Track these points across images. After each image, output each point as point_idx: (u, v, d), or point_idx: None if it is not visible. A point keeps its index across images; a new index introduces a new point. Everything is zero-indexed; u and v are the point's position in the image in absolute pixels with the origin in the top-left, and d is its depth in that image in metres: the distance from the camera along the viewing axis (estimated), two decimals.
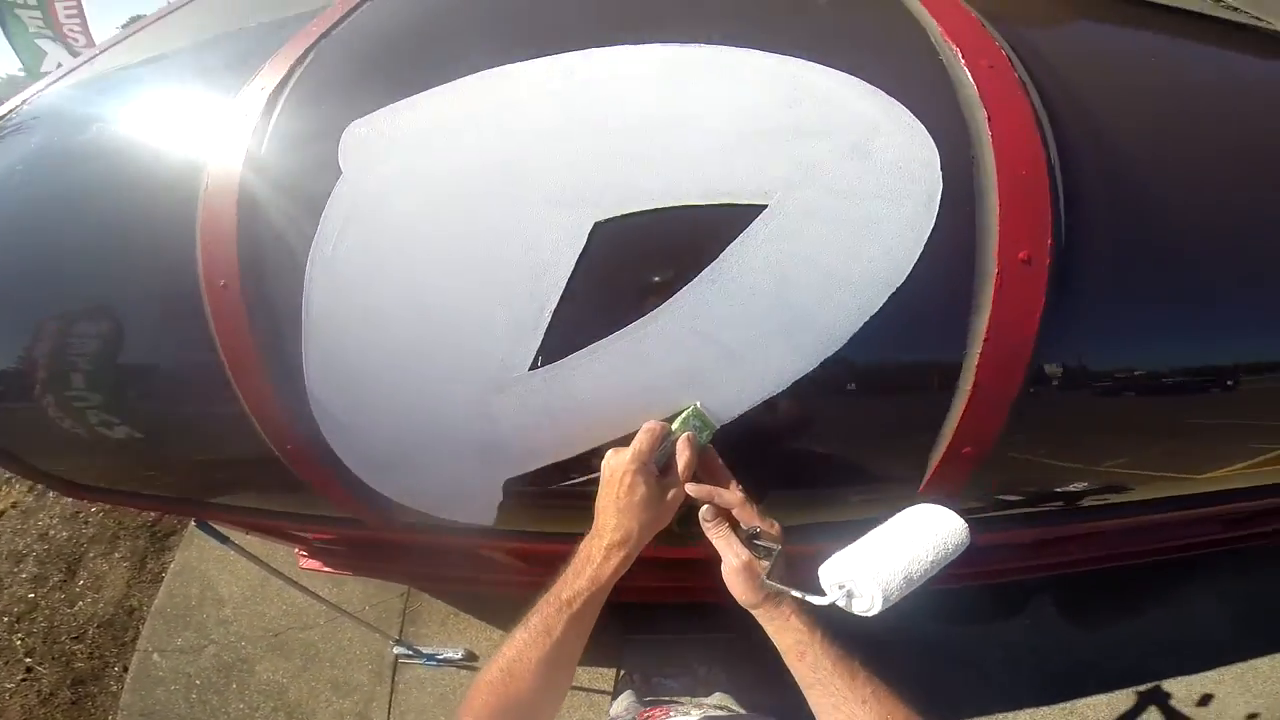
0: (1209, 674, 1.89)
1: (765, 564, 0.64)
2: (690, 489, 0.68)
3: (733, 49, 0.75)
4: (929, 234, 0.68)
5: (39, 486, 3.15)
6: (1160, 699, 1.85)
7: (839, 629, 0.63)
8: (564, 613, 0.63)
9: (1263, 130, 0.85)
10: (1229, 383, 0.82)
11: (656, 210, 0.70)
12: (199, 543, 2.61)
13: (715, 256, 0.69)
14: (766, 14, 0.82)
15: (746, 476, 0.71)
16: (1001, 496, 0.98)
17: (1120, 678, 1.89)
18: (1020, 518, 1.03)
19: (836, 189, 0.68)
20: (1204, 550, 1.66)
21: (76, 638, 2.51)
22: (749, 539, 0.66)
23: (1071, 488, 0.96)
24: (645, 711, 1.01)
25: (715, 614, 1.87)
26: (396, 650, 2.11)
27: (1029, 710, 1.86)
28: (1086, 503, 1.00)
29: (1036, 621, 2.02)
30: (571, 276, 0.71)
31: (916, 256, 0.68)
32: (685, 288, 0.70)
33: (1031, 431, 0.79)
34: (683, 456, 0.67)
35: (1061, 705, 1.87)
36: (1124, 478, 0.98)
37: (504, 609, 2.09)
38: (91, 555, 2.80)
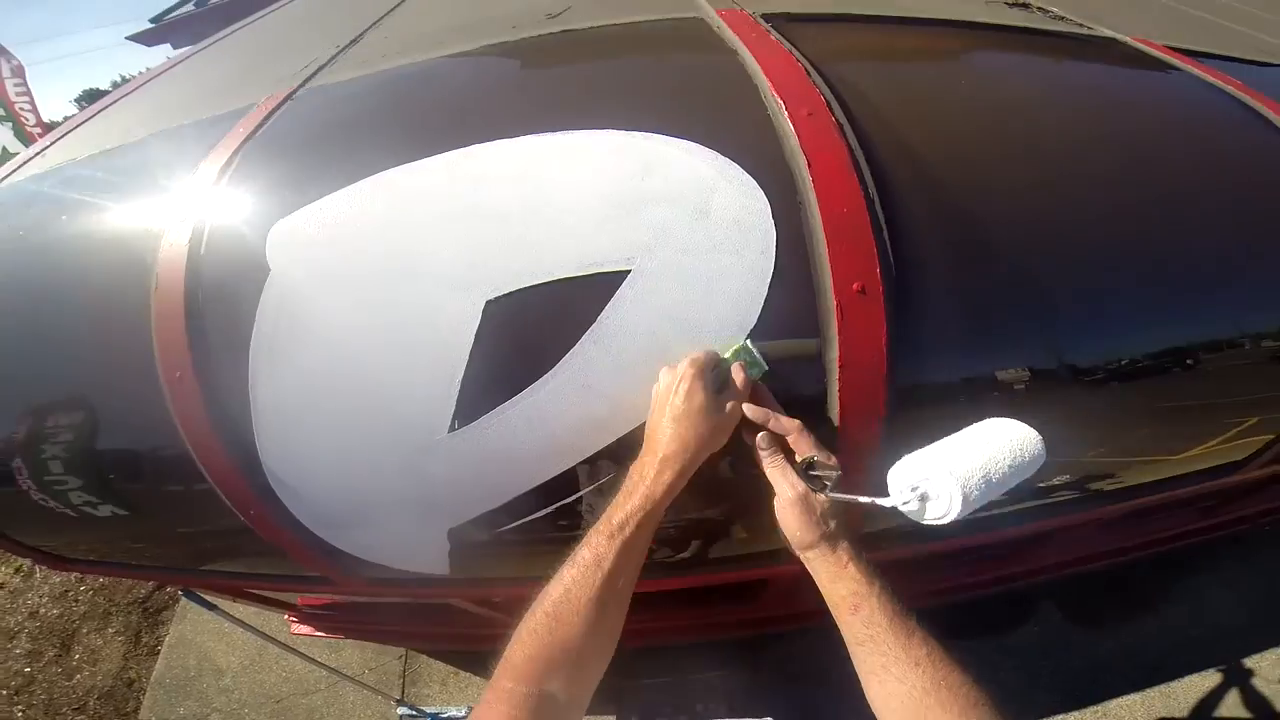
0: (1230, 662, 1.90)
1: (822, 497, 0.60)
2: (748, 409, 0.65)
3: (590, 132, 0.85)
4: (769, 278, 0.77)
5: (26, 567, 3.29)
6: (1190, 691, 1.86)
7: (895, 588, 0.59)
8: (615, 539, 0.57)
9: (1080, 128, 0.94)
10: (1086, 372, 0.89)
11: (539, 284, 0.81)
12: (193, 616, 2.67)
13: (594, 319, 0.79)
14: (620, 95, 0.92)
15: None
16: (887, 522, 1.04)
17: (1146, 675, 1.91)
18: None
19: (686, 248, 0.78)
20: (1177, 544, 1.70)
21: (78, 709, 2.57)
22: (804, 470, 0.62)
23: None
24: None
25: (712, 652, 1.93)
26: (401, 711, 2.13)
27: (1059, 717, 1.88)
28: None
29: (1044, 629, 2.05)
30: (472, 349, 0.82)
31: (763, 300, 0.77)
32: (572, 349, 0.80)
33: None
34: (739, 376, 0.65)
35: (1091, 709, 1.88)
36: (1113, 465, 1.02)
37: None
38: (85, 631, 2.87)
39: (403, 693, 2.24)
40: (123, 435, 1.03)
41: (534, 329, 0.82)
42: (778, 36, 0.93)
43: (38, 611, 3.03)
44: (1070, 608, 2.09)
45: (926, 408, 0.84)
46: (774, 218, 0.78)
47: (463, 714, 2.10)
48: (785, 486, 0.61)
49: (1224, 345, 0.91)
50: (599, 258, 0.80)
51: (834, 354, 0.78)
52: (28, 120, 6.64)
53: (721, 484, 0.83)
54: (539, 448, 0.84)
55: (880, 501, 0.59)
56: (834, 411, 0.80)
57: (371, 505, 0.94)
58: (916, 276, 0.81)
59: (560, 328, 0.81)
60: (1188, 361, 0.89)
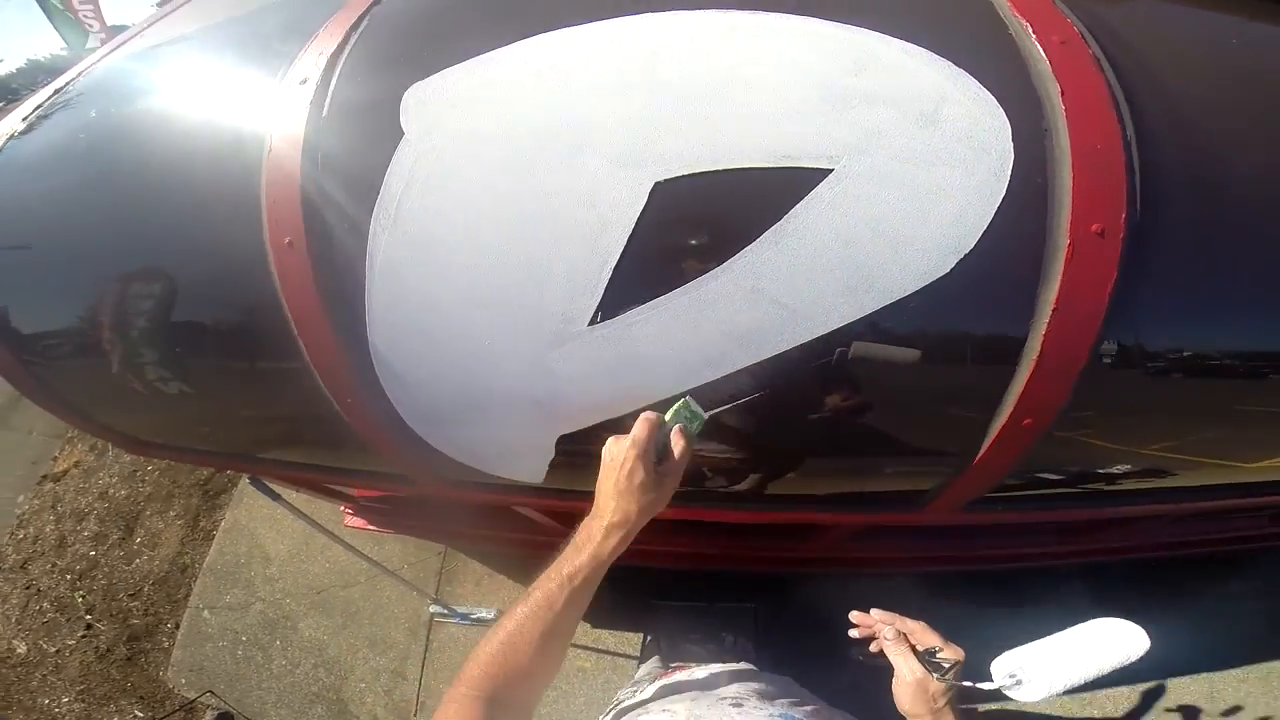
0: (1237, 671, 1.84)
1: (938, 679, 0.67)
2: (876, 614, 0.73)
3: (797, 16, 0.75)
4: (1000, 202, 0.67)
5: (99, 445, 3.35)
6: (1189, 696, 1.81)
7: None
8: (565, 588, 0.66)
9: None
10: None
11: (718, 172, 0.71)
12: (248, 501, 2.73)
13: (778, 219, 0.70)
14: None
15: (799, 436, 0.71)
16: (1046, 474, 0.96)
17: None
18: (1061, 498, 1.02)
19: (904, 155, 0.68)
20: (1253, 545, 1.58)
21: (133, 595, 2.65)
22: (926, 655, 0.69)
23: (1117, 469, 0.95)
24: (667, 670, 1.02)
25: (741, 585, 1.90)
26: (432, 609, 2.18)
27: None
28: (1131, 486, 0.99)
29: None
30: (631, 235, 0.73)
31: (987, 224, 0.67)
32: (747, 248, 0.71)
33: (1093, 408, 0.78)
34: (677, 445, 0.71)
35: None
36: (1170, 462, 0.96)
37: (534, 570, 2.11)
38: (148, 513, 2.94)
39: (437, 590, 2.27)
40: (221, 307, 0.98)
41: (706, 219, 0.74)
42: None
43: (107, 492, 3.11)
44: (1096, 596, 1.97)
45: (1126, 373, 0.75)
46: (1013, 139, 0.67)
47: (491, 616, 2.12)
48: (905, 670, 0.69)
49: None
50: (795, 151, 0.70)
51: (1050, 295, 0.69)
52: (91, 27, 6.67)
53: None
54: (685, 355, 0.75)
55: (980, 685, 0.67)
56: (1029, 357, 0.71)
57: (486, 402, 0.85)
58: (1158, 231, 0.70)
59: (737, 222, 0.72)
60: None
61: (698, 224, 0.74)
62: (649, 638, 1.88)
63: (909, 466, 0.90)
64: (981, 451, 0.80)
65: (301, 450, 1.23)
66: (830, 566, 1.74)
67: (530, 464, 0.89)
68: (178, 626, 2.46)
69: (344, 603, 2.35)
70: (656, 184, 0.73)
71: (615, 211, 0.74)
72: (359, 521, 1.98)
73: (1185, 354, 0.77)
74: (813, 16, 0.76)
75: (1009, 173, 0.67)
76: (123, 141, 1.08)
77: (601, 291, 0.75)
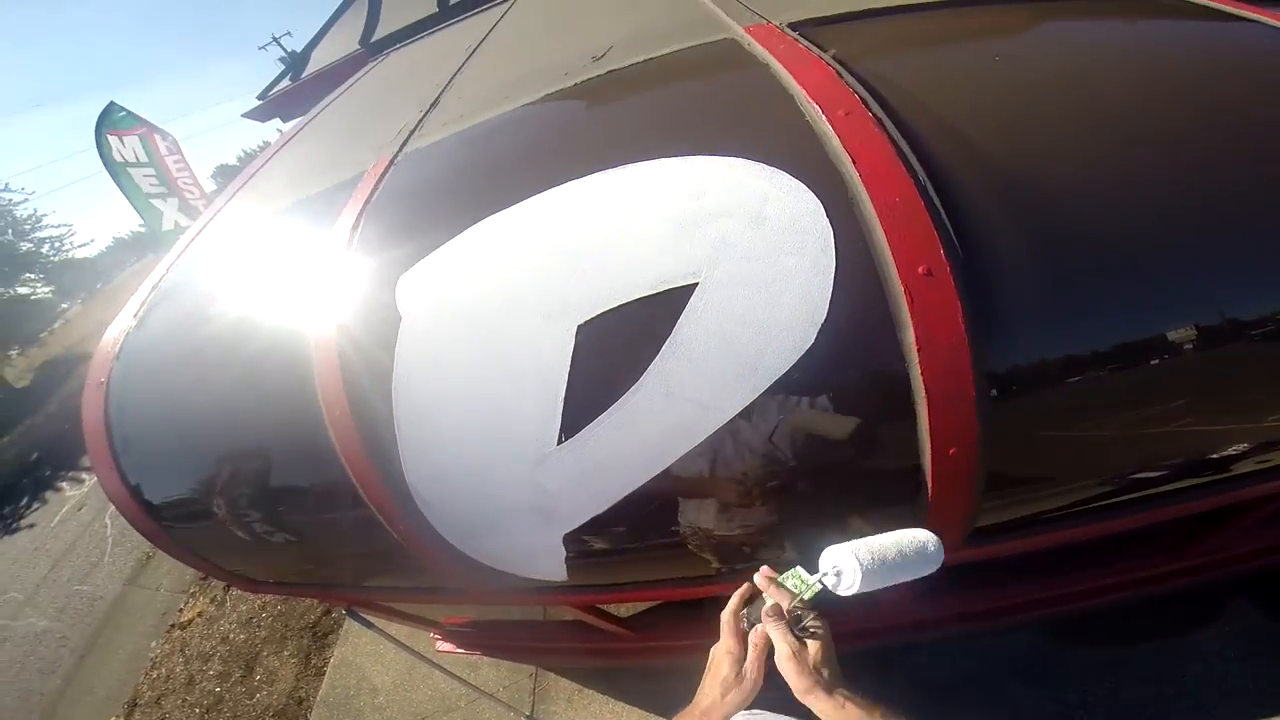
0: None
1: (814, 650, 0.73)
2: (753, 583, 0.81)
3: (646, 163, 0.94)
4: (834, 273, 0.81)
5: (219, 598, 3.87)
6: None
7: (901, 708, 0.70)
8: None
9: (1133, 85, 0.88)
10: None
11: (620, 305, 0.90)
12: (354, 639, 3.03)
13: (669, 333, 0.88)
14: (667, 125, 1.00)
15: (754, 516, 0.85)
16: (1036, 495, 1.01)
17: None
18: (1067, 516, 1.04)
19: (748, 255, 0.84)
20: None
21: None
22: (794, 625, 0.76)
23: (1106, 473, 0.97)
24: None
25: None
26: None
27: None
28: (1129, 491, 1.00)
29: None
30: (570, 369, 0.93)
31: (830, 294, 0.81)
32: (653, 362, 0.89)
33: (1021, 427, 0.86)
34: (754, 649, 0.76)
35: None
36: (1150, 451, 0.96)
37: (621, 681, 2.29)
38: (265, 654, 3.33)
39: (532, 709, 2.39)
40: (302, 471, 1.24)
41: (620, 346, 0.92)
42: (806, 44, 0.97)
43: (228, 637, 3.59)
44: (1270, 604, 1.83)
45: (1026, 388, 0.83)
46: (828, 216, 0.82)
47: None
48: (783, 644, 0.74)
49: None
50: (667, 275, 0.88)
51: (910, 338, 0.80)
52: (191, 194, 7.35)
53: None
54: (635, 454, 0.93)
55: (810, 577, 0.76)
56: (920, 399, 0.81)
57: (497, 515, 1.07)
58: (988, 253, 0.81)
59: (642, 342, 0.90)
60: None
61: (616, 350, 0.92)
62: None
63: (877, 517, 0.95)
64: (931, 486, 0.88)
65: (381, 576, 1.48)
66: (874, 639, 1.73)
67: (549, 563, 1.10)
68: None
69: None
70: (579, 326, 0.93)
71: (554, 354, 0.94)
72: (449, 646, 2.18)
73: (1072, 355, 0.82)
74: (661, 158, 0.94)
75: (833, 245, 0.81)
76: (210, 342, 1.37)
77: (560, 417, 0.95)
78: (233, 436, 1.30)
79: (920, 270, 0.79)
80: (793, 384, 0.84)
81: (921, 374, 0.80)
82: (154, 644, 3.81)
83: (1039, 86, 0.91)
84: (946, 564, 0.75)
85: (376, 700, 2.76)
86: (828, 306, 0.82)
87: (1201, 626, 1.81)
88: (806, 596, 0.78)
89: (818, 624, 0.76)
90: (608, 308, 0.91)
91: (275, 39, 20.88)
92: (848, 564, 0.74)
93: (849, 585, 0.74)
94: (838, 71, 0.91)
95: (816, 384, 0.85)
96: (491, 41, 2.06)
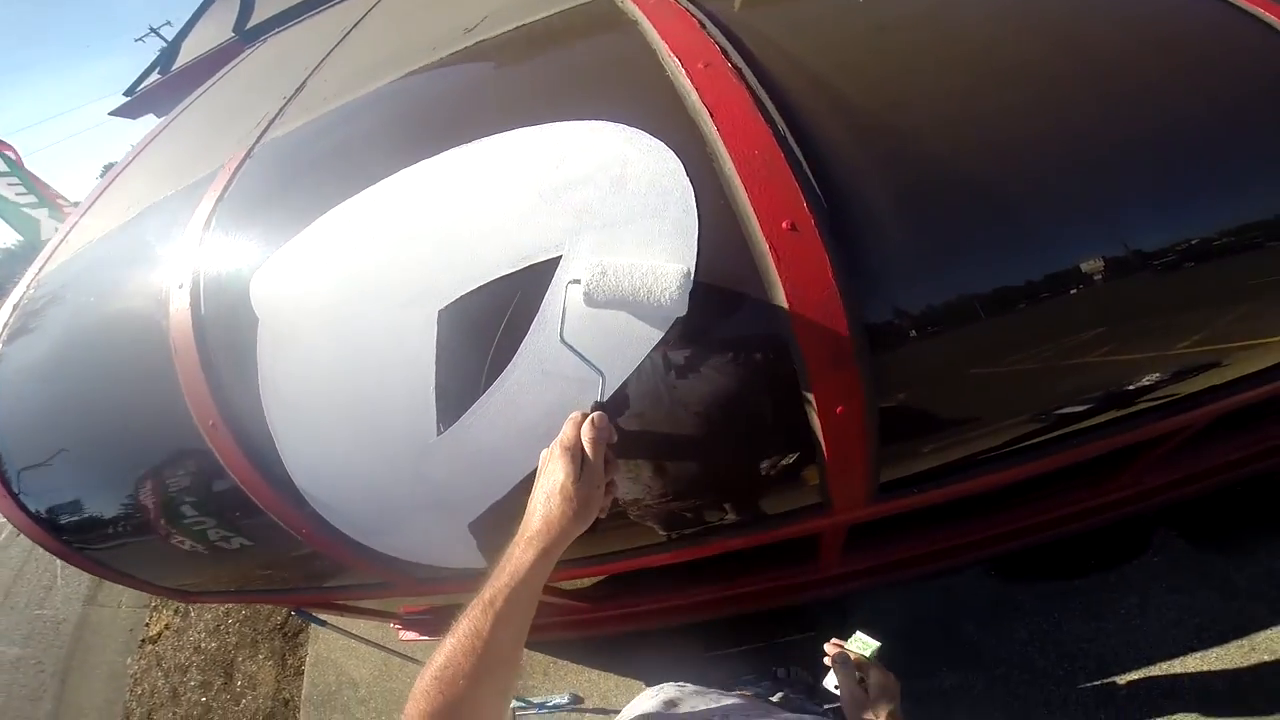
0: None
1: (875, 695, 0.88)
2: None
3: (503, 134, 0.87)
4: (696, 234, 0.77)
5: (182, 609, 3.71)
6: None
7: None
8: (488, 612, 0.62)
9: (983, 27, 0.85)
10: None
11: (481, 286, 0.85)
12: (325, 636, 2.92)
13: (536, 310, 0.83)
14: (530, 92, 0.94)
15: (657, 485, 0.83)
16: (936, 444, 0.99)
17: None
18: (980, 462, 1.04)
19: (611, 221, 0.80)
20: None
21: None
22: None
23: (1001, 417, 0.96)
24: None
25: (792, 619, 1.96)
26: (513, 704, 2.28)
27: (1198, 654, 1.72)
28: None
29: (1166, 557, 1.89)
30: (437, 357, 0.88)
31: (694, 255, 0.77)
32: (524, 341, 0.84)
33: (909, 378, 0.85)
34: (588, 444, 0.69)
35: (1235, 643, 1.69)
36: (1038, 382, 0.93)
37: (594, 650, 2.29)
38: (240, 659, 3.24)
39: None
40: (189, 480, 1.14)
41: (486, 328, 0.87)
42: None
43: (200, 646, 3.47)
44: (1194, 533, 1.88)
45: (909, 338, 0.80)
46: (689, 175, 0.77)
47: (566, 700, 2.26)
48: (845, 691, 0.89)
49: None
50: (529, 250, 0.83)
51: (780, 295, 0.77)
52: (63, 202, 6.98)
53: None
54: (521, 435, 0.89)
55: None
56: (798, 359, 0.79)
57: (395, 511, 1.03)
58: (856, 203, 0.78)
59: (509, 323, 0.85)
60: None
61: (483, 333, 0.87)
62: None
63: (782, 481, 0.94)
64: (825, 446, 0.86)
65: (310, 578, 1.42)
66: (825, 588, 1.77)
67: (463, 551, 1.06)
68: None
69: None
70: (439, 311, 0.87)
71: (417, 343, 0.88)
72: (411, 634, 2.15)
73: (949, 303, 0.80)
74: (520, 127, 0.88)
75: (694, 205, 0.77)
76: (80, 362, 1.25)
77: (434, 407, 0.90)
78: (118, 454, 1.20)
79: (784, 225, 0.76)
80: (670, 351, 0.81)
81: (795, 333, 0.78)
82: (129, 660, 3.69)
83: (901, 27, 0.88)
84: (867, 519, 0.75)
85: (359, 693, 2.73)
86: (691, 268, 0.78)
87: (1133, 559, 1.86)
88: (868, 655, 0.93)
89: (884, 677, 0.88)
90: (469, 289, 0.86)
91: (154, 29, 19.58)
92: (586, 273, 0.72)
93: (586, 293, 0.73)
94: (700, 22, 0.85)
95: (694, 350, 0.82)
96: (368, 21, 1.92)
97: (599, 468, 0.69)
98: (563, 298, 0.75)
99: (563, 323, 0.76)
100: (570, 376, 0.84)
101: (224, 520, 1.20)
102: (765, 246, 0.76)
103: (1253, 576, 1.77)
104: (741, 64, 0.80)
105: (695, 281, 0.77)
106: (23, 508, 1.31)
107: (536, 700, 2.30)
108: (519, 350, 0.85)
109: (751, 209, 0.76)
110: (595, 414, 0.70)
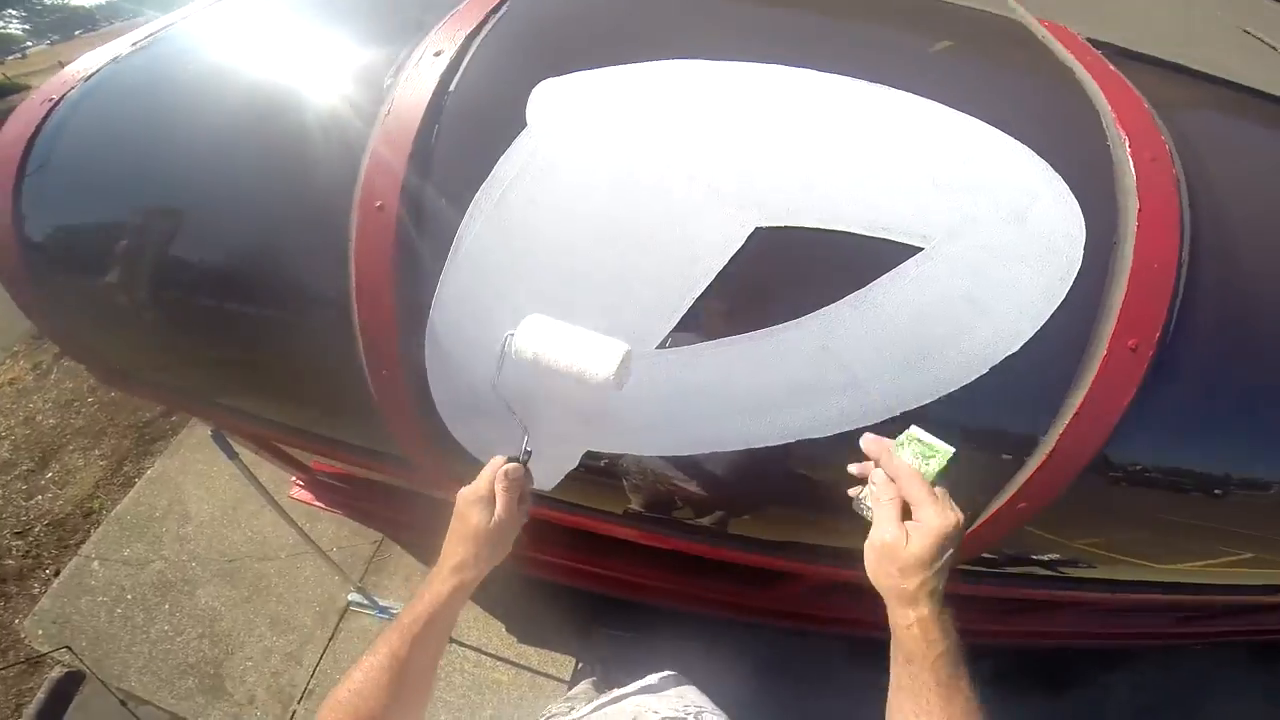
0: None
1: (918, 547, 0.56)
2: (867, 443, 0.65)
3: (919, 98, 0.78)
4: (1057, 306, 0.72)
5: (43, 365, 3.05)
6: None
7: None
8: (406, 636, 0.66)
9: None
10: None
11: (818, 229, 0.73)
12: (185, 453, 2.53)
13: (863, 284, 0.73)
14: (951, 72, 0.86)
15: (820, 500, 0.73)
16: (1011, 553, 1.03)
17: None
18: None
19: (989, 246, 0.72)
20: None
21: (19, 533, 2.40)
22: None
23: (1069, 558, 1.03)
24: (602, 694, 0.95)
25: (689, 621, 1.87)
26: (352, 597, 2.08)
27: None
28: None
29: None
30: (722, 272, 0.74)
31: (1041, 324, 0.72)
32: (826, 308, 0.74)
33: (1078, 504, 0.84)
34: (500, 494, 0.72)
35: None
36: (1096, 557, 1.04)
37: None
38: (70, 448, 2.69)
39: (362, 578, 2.15)
40: (289, 254, 0.88)
41: (795, 272, 0.75)
42: (1116, 68, 0.89)
43: (34, 418, 2.82)
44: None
45: (1118, 475, 0.81)
46: (1085, 247, 0.73)
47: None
48: (877, 529, 0.60)
49: None
50: (893, 224, 0.73)
51: (1076, 400, 0.75)
52: None
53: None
54: (743, 395, 0.77)
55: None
56: (1041, 451, 0.77)
57: (528, 405, 0.82)
58: (1181, 354, 0.77)
59: (823, 281, 0.74)
60: None
61: (786, 275, 0.76)
62: (581, 664, 1.87)
63: None
64: (975, 525, 0.86)
65: (301, 410, 1.12)
66: (799, 622, 1.74)
67: (549, 471, 0.88)
68: (57, 574, 2.21)
69: (255, 576, 2.18)
70: (758, 228, 0.74)
71: (711, 246, 0.74)
72: (306, 495, 1.87)
73: (1177, 467, 0.83)
74: (937, 101, 0.78)
75: (1072, 279, 0.73)
76: (227, 76, 0.95)
77: (678, 319, 0.75)
78: (200, 188, 0.89)
79: (1130, 343, 0.74)
80: (947, 406, 0.74)
81: (1060, 435, 0.76)
82: None
83: None
84: None
85: (184, 529, 2.31)
86: (1031, 335, 0.73)
87: None
88: (934, 468, 0.60)
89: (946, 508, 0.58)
90: (802, 224, 0.73)
91: None
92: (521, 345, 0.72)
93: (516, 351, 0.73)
94: (1149, 108, 0.83)
95: (967, 417, 0.77)
96: None
97: (511, 514, 0.73)
98: (502, 347, 0.74)
99: (499, 370, 0.75)
100: (846, 366, 0.74)
101: (283, 308, 0.90)
102: (1103, 352, 0.73)
103: None
104: (1181, 175, 0.79)
105: (1018, 354, 0.72)
106: (15, 195, 0.94)
107: (382, 603, 2.09)
108: (814, 314, 0.74)
109: (1116, 313, 0.73)
110: (509, 466, 0.74)
